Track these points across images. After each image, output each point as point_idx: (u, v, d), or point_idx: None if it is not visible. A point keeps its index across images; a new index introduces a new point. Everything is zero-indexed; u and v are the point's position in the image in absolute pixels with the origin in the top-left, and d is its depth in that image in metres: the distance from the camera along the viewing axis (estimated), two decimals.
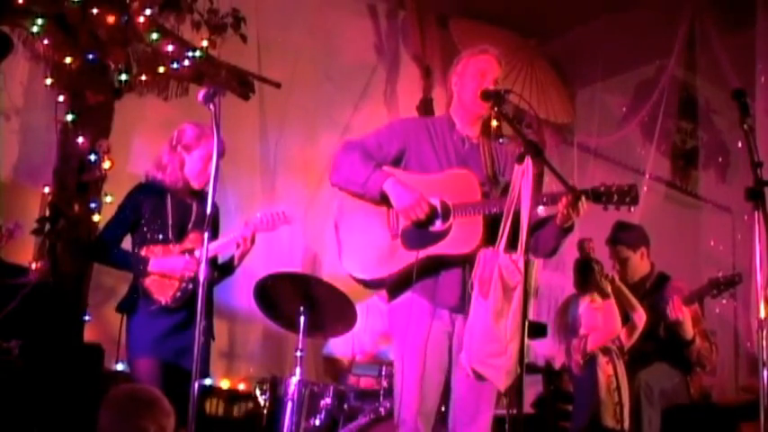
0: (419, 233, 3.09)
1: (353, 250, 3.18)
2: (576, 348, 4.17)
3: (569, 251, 5.44)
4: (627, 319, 4.30)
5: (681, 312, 4.31)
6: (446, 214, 3.09)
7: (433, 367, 3.06)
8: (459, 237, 3.06)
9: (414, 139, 3.27)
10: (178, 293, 3.72)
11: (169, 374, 3.62)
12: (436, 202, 3.11)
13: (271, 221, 3.88)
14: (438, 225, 3.10)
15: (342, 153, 3.27)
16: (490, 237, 3.01)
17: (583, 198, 2.92)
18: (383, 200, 3.14)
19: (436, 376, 3.07)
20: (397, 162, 3.26)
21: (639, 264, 4.69)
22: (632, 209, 2.99)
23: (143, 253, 3.76)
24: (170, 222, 3.82)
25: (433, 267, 3.08)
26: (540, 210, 3.12)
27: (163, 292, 3.71)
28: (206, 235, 2.97)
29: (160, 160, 3.87)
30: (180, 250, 3.78)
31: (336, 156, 3.28)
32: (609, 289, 4.20)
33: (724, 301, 4.49)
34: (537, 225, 3.10)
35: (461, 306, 3.08)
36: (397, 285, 3.16)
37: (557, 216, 3.03)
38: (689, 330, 4.39)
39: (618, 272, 4.67)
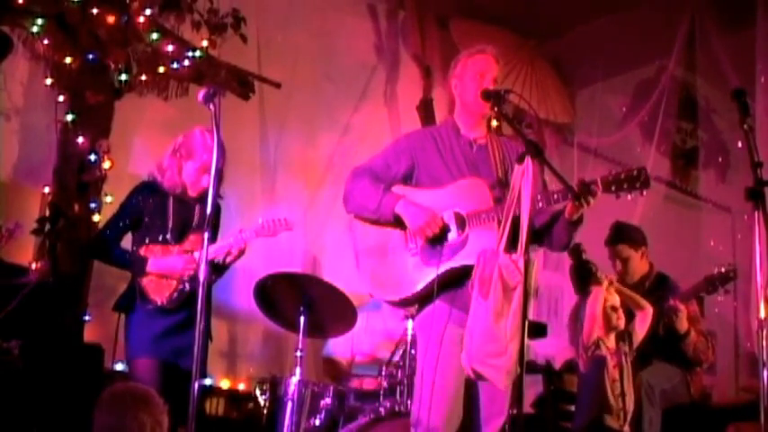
0: (437, 248, 3.12)
1: (378, 275, 3.23)
2: (581, 344, 4.17)
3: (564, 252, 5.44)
4: (631, 316, 4.29)
5: (677, 304, 4.34)
6: (461, 225, 3.12)
7: (451, 371, 3.06)
8: (477, 245, 3.07)
9: (421, 153, 3.29)
10: (174, 294, 3.72)
11: (168, 374, 3.62)
12: (450, 216, 3.13)
13: (272, 228, 3.87)
14: (455, 237, 3.12)
15: (351, 181, 3.30)
16: (507, 241, 3.01)
17: (592, 190, 2.93)
18: (397, 222, 3.18)
19: (455, 379, 3.08)
20: (407, 179, 3.29)
21: (640, 263, 4.70)
22: (644, 193, 3.00)
23: (142, 252, 3.76)
24: (170, 224, 3.82)
25: (456, 278, 3.10)
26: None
27: (159, 293, 3.71)
28: (206, 235, 2.97)
29: (161, 163, 3.87)
30: (179, 251, 3.78)
31: (347, 184, 3.32)
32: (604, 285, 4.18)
33: (720, 298, 4.47)
34: (551, 220, 3.13)
35: None
36: (423, 299, 3.20)
37: (565, 210, 3.05)
38: (683, 323, 4.40)
39: (619, 272, 4.67)
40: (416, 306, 3.29)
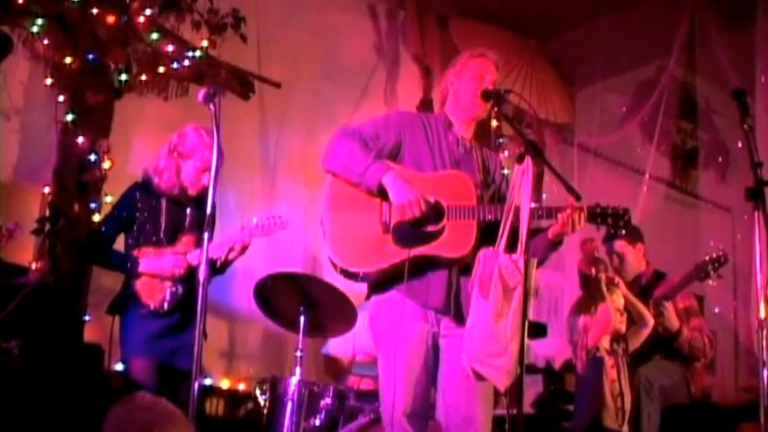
0: (411, 231, 3.05)
1: (341, 241, 3.13)
2: (581, 345, 4.19)
3: (569, 251, 5.45)
4: (632, 322, 4.30)
5: (662, 303, 4.37)
6: (440, 215, 3.07)
7: (417, 367, 3.04)
8: (452, 240, 3.04)
9: (410, 133, 3.24)
10: (167, 298, 3.72)
11: (164, 375, 3.62)
12: (432, 202, 3.09)
13: (267, 227, 3.85)
14: (431, 225, 3.07)
15: (339, 139, 3.21)
16: (482, 243, 2.99)
17: (582, 214, 2.94)
18: (380, 192, 3.09)
19: (421, 376, 3.05)
20: (392, 155, 3.21)
21: (636, 260, 4.70)
22: (623, 232, 3.01)
23: (134, 254, 3.75)
24: (163, 225, 3.80)
25: (420, 267, 3.05)
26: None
27: (152, 297, 3.70)
28: (205, 235, 2.97)
29: (157, 164, 3.83)
30: (172, 253, 3.77)
31: (333, 141, 3.22)
32: (607, 292, 4.20)
33: (713, 283, 4.46)
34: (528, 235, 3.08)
35: (447, 308, 3.07)
36: (382, 282, 3.12)
37: (548, 229, 3.03)
38: (673, 321, 4.41)
39: (615, 268, 4.67)
40: (368, 288, 3.21)
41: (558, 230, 2.99)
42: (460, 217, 3.05)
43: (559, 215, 2.96)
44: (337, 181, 3.19)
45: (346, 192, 3.16)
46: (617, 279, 4.33)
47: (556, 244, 3.06)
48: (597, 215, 3.00)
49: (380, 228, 3.10)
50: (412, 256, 3.01)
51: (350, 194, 3.15)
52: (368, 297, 3.23)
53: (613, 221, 3.00)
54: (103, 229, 3.87)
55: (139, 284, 3.71)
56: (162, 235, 3.79)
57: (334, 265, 3.14)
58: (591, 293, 4.27)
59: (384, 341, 3.13)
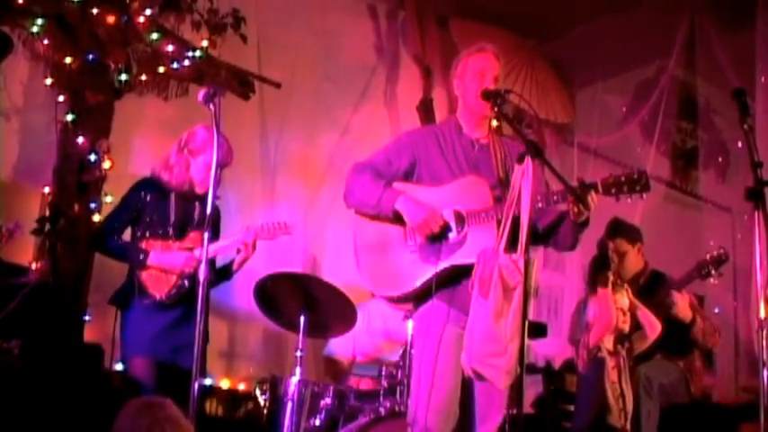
0: (436, 245, 3.12)
1: (376, 270, 3.22)
2: (583, 345, 4.19)
3: (569, 252, 5.45)
4: (638, 327, 4.30)
5: (673, 296, 4.40)
6: (460, 223, 3.12)
7: (447, 370, 3.07)
8: (476, 244, 3.08)
9: (423, 150, 3.29)
10: (173, 290, 3.73)
11: (165, 373, 3.62)
12: (449, 213, 3.14)
13: (271, 230, 3.90)
14: (454, 235, 3.12)
15: (352, 176, 3.30)
16: (507, 241, 3.01)
17: (592, 193, 2.94)
18: (397, 218, 3.17)
19: (451, 379, 3.09)
20: (408, 175, 3.28)
21: (635, 259, 4.71)
22: (644, 196, 3.00)
23: (143, 246, 3.77)
24: (172, 220, 3.83)
25: (453, 276, 3.11)
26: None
27: (158, 288, 3.72)
28: (206, 235, 2.98)
29: (167, 160, 3.89)
30: (179, 248, 3.79)
31: (348, 179, 3.31)
32: (611, 289, 4.20)
33: (714, 281, 4.48)
34: (557, 221, 3.15)
35: None
36: (420, 296, 3.20)
37: (569, 212, 3.04)
38: (686, 312, 4.42)
39: (614, 268, 4.68)
40: (412, 304, 3.29)
41: (575, 213, 3.01)
42: (480, 221, 3.10)
43: (569, 200, 2.98)
44: (360, 217, 3.29)
45: (370, 224, 3.26)
46: (626, 285, 4.34)
47: (582, 224, 3.08)
48: (611, 185, 3.00)
49: (408, 249, 3.19)
50: (441, 269, 3.08)
51: (373, 226, 3.26)
52: (415, 309, 3.30)
53: (629, 188, 2.99)
54: (110, 221, 3.91)
55: (146, 275, 3.73)
56: (170, 229, 3.82)
57: (379, 296, 3.26)
58: (596, 280, 4.26)
59: (420, 345, 3.20)
